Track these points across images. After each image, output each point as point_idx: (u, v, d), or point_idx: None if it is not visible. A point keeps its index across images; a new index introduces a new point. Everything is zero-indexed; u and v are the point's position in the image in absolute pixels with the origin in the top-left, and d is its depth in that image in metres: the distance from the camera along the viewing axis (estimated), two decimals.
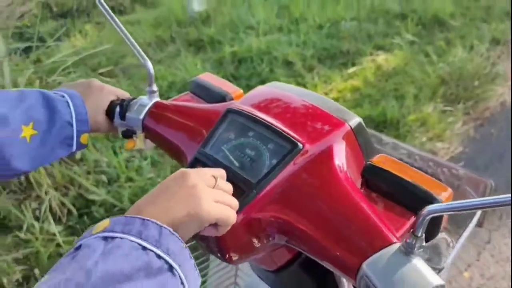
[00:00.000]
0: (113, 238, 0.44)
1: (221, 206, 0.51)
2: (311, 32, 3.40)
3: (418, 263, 0.46)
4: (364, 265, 0.47)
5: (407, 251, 0.47)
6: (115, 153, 2.19)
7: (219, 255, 0.58)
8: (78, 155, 2.21)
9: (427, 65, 2.79)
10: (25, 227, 1.83)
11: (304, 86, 2.87)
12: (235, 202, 0.54)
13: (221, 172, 0.56)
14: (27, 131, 0.66)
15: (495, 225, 1.99)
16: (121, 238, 0.44)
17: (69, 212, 1.94)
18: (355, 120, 0.61)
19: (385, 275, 0.46)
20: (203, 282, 0.94)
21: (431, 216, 0.45)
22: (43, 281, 0.41)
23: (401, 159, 0.64)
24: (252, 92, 0.69)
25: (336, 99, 2.74)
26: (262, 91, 0.69)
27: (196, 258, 0.92)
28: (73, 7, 3.60)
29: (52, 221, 1.85)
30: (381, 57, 3.03)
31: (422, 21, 3.46)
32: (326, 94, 2.80)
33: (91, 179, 2.06)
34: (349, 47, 3.20)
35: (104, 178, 2.07)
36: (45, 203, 1.90)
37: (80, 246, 0.44)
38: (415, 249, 0.46)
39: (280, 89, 0.69)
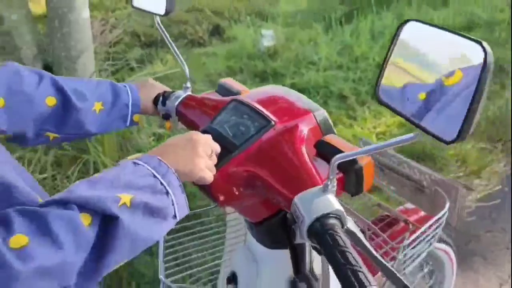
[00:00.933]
0: (139, 164, 0.68)
1: (206, 171, 0.75)
2: (369, 70, 3.59)
3: (330, 196, 0.67)
4: (295, 198, 0.69)
5: (324, 190, 0.68)
6: None
7: (212, 198, 0.81)
8: None
9: None
10: None
11: (355, 119, 3.07)
12: (214, 171, 0.77)
13: (216, 147, 0.80)
14: (98, 106, 0.95)
15: None
16: (143, 165, 0.68)
17: None
18: (319, 112, 0.84)
19: (305, 202, 0.67)
20: (222, 244, 1.18)
21: (337, 162, 0.67)
22: (92, 176, 0.66)
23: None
24: (254, 89, 0.95)
25: (383, 133, 2.90)
26: (261, 89, 0.94)
27: (216, 220, 1.17)
28: (158, 38, 4.08)
29: None
30: None
31: None
32: (374, 127, 2.97)
33: None
34: None
35: None
36: None
37: (119, 164, 0.70)
38: (329, 187, 0.67)
39: (275, 88, 0.94)
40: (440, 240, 1.37)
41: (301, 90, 3.31)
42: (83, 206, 0.58)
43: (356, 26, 4.35)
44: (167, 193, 0.67)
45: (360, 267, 0.58)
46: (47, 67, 3.15)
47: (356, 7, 4.85)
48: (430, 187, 1.11)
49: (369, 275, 0.57)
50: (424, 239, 1.08)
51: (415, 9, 4.76)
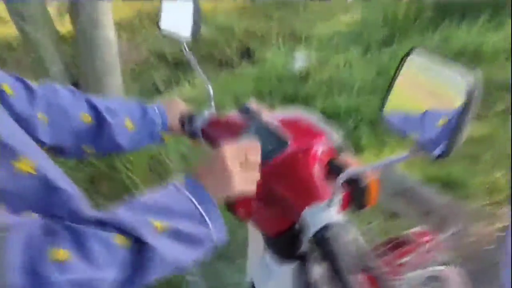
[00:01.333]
0: (178, 189, 0.71)
1: (242, 184, 0.76)
2: None
3: (332, 209, 0.77)
4: (304, 210, 0.79)
5: (329, 204, 0.77)
6: None
7: (233, 212, 0.87)
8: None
9: None
10: None
11: (384, 145, 2.89)
12: (256, 176, 0.79)
13: (252, 145, 0.80)
14: (128, 123, 1.00)
15: None
16: (182, 191, 0.71)
17: None
18: (333, 134, 0.91)
19: (312, 214, 0.78)
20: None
21: (342, 179, 0.75)
22: (134, 198, 0.69)
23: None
24: (273, 112, 1.01)
25: (412, 160, 2.70)
26: (280, 112, 1.00)
27: (242, 234, 1.18)
28: (185, 60, 4.07)
29: None
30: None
31: None
32: None
33: None
34: None
35: None
36: None
37: (163, 186, 0.72)
38: (333, 201, 0.76)
39: (294, 111, 0.99)
40: (448, 263, 1.36)
41: (332, 115, 3.20)
42: (119, 228, 0.64)
43: (396, 49, 4.16)
44: (204, 220, 0.70)
45: (354, 272, 0.70)
46: (74, 85, 3.18)
47: (398, 29, 4.66)
48: (437, 210, 1.04)
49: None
50: (425, 259, 1.12)
51: (465, 32, 4.46)
